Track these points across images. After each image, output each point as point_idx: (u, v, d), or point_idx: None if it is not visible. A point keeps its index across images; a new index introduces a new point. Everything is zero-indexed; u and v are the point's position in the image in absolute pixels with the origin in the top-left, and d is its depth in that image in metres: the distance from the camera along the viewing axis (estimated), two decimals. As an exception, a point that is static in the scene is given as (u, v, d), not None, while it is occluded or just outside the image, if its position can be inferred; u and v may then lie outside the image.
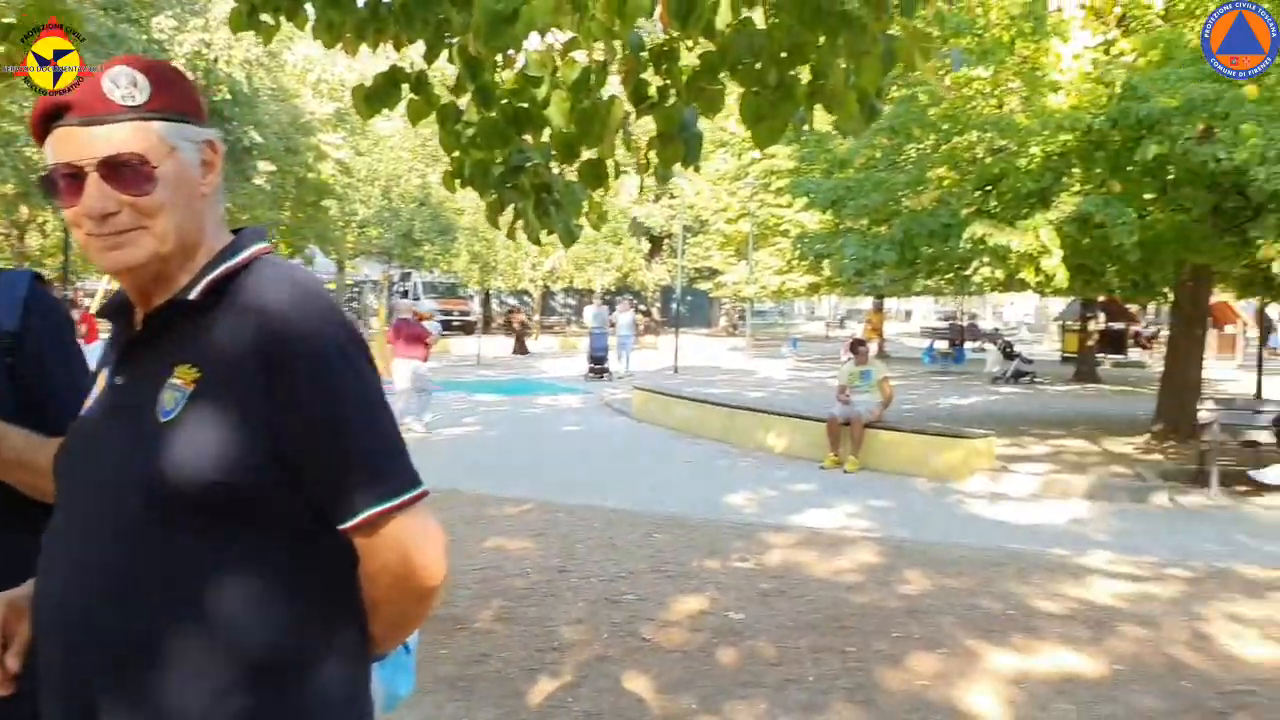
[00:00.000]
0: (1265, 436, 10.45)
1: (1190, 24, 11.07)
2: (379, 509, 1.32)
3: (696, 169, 3.03)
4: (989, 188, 11.62)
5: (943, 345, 31.24)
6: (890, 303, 53.19)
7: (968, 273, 11.00)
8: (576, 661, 4.76)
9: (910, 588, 6.14)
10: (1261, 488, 9.88)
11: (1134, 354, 30.69)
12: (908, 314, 73.96)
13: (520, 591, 5.94)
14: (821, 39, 2.55)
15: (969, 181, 11.82)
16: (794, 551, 7.05)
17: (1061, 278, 9.93)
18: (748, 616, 5.48)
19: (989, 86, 11.42)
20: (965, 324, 35.78)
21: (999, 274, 10.47)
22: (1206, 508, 9.57)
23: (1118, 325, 29.82)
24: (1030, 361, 23.81)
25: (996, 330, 38.33)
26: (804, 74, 2.70)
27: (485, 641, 5.02)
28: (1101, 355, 27.69)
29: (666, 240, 44.49)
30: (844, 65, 2.62)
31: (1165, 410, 13.19)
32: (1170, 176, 10.26)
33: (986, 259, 10.10)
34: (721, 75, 2.74)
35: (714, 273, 40.77)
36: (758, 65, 2.62)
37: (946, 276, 13.83)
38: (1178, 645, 5.10)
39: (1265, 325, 24.94)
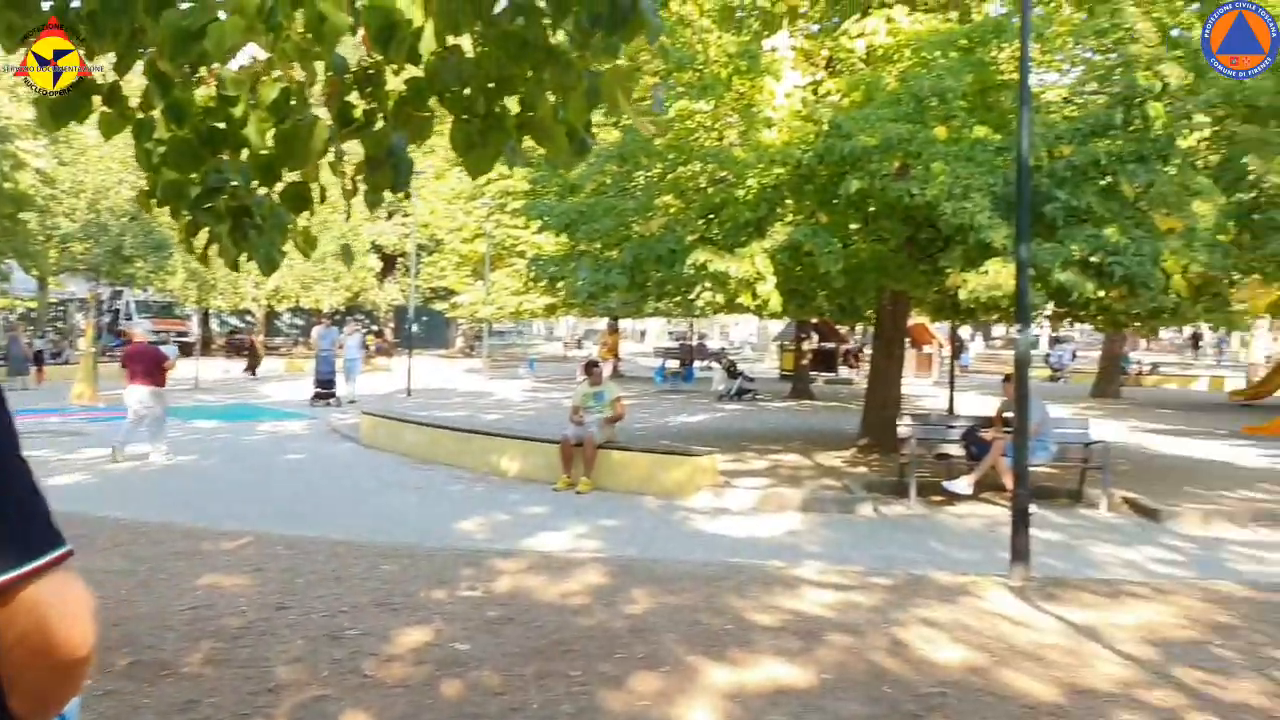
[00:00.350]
0: (956, 450, 11.42)
1: (889, 68, 12.00)
2: (9, 575, 1.16)
3: (406, 196, 2.98)
4: (711, 216, 12.11)
5: (674, 365, 32.28)
6: (626, 323, 54.45)
7: (692, 297, 11.43)
8: (293, 703, 4.54)
9: (636, 607, 6.26)
10: (953, 497, 10.78)
11: (844, 372, 32.87)
12: (642, 334, 76.14)
13: (234, 631, 5.61)
14: (529, 72, 2.57)
15: (693, 210, 12.28)
16: (523, 577, 7.04)
17: (775, 302, 10.47)
18: (474, 646, 5.41)
19: (710, 120, 11.92)
20: (695, 344, 37.14)
21: (720, 298, 10.93)
22: (906, 517, 10.33)
23: (829, 345, 31.88)
24: (752, 380, 24.98)
25: (723, 350, 39.99)
26: (513, 105, 2.71)
27: (194, 687, 4.70)
28: (815, 373, 29.49)
29: (400, 259, 43.63)
30: (552, 99, 2.65)
31: (869, 425, 14.17)
32: (871, 209, 11.05)
33: (708, 284, 10.51)
34: (431, 102, 2.71)
35: (450, 293, 40.38)
36: (466, 93, 2.61)
37: (675, 299, 14.30)
38: (879, 652, 5.45)
39: (957, 345, 27.18)
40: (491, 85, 2.61)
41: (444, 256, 40.05)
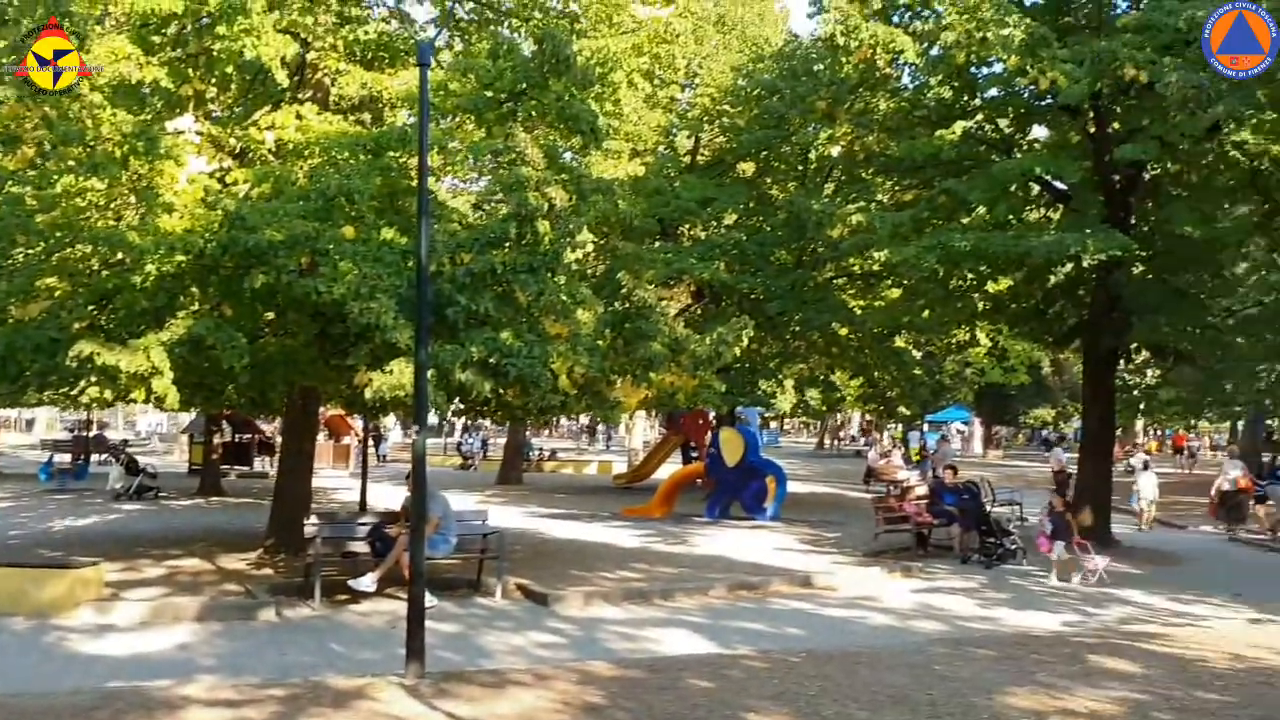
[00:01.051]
0: (363, 547, 11.46)
1: (299, 164, 12.01)
2: None
3: None
4: (104, 302, 11.15)
5: (64, 459, 28.79)
6: (10, 410, 47.72)
7: (75, 392, 10.38)
8: None
9: (-18, 755, 5.46)
10: (359, 595, 10.79)
11: (261, 464, 31.52)
12: (29, 423, 67.51)
13: None
14: None
15: (82, 295, 11.21)
16: None
17: (173, 398, 9.87)
18: None
19: (103, 199, 11.05)
20: (92, 435, 33.48)
21: (109, 394, 10.04)
22: (310, 619, 10.15)
23: (244, 436, 30.55)
24: (155, 475, 23.19)
25: (124, 442, 36.52)
26: None
27: None
28: (228, 467, 28.06)
29: None
30: None
31: (277, 524, 13.78)
32: (280, 303, 10.88)
33: (95, 378, 9.62)
34: None
35: None
36: None
37: (61, 391, 12.90)
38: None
39: (375, 438, 27.48)
40: None
41: None
